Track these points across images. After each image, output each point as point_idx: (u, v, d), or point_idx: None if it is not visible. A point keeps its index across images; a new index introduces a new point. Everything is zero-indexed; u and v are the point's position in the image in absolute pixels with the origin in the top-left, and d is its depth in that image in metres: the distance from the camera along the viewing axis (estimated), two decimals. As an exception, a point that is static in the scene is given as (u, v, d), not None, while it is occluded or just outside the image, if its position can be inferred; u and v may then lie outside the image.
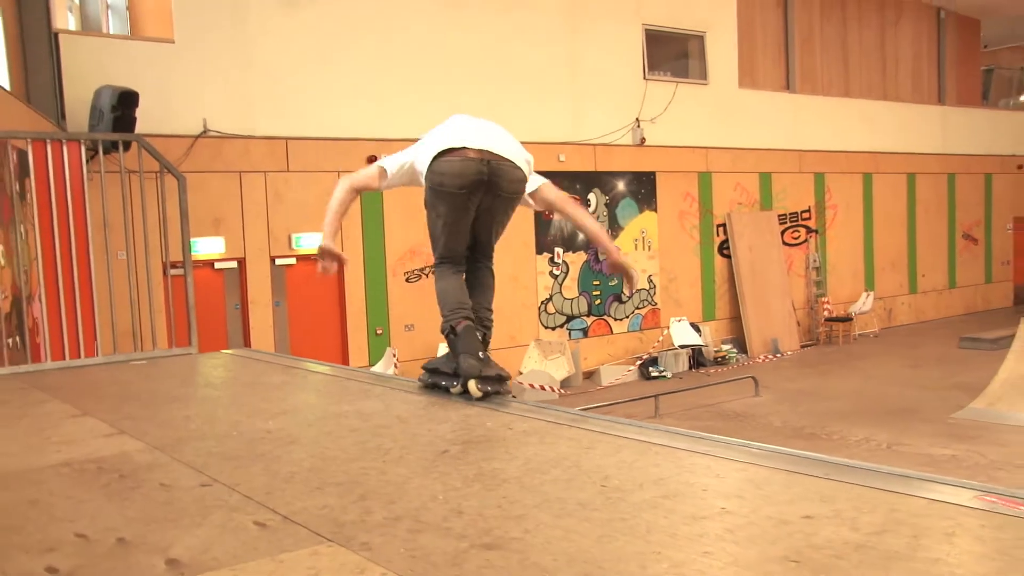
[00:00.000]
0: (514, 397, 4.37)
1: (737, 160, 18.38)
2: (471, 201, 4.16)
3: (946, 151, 22.84)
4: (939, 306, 23.03)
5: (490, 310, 4.45)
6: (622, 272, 4.52)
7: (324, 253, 4.41)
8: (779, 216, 19.37)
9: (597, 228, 4.77)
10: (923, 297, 22.76)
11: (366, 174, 4.54)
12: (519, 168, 4.19)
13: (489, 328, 4.40)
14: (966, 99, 24.31)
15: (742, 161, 18.49)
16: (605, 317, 16.65)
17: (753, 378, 14.55)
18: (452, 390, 4.25)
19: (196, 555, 2.31)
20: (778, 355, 18.22)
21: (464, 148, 4.10)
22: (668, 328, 17.22)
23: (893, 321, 21.79)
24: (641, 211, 17.05)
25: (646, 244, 17.13)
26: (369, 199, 13.51)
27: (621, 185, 16.69)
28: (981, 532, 2.35)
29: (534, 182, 4.44)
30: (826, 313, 19.83)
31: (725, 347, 17.80)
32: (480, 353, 4.13)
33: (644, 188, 17.02)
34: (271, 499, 2.77)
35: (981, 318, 22.38)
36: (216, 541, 2.42)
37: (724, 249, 18.39)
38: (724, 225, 18.35)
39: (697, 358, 17.14)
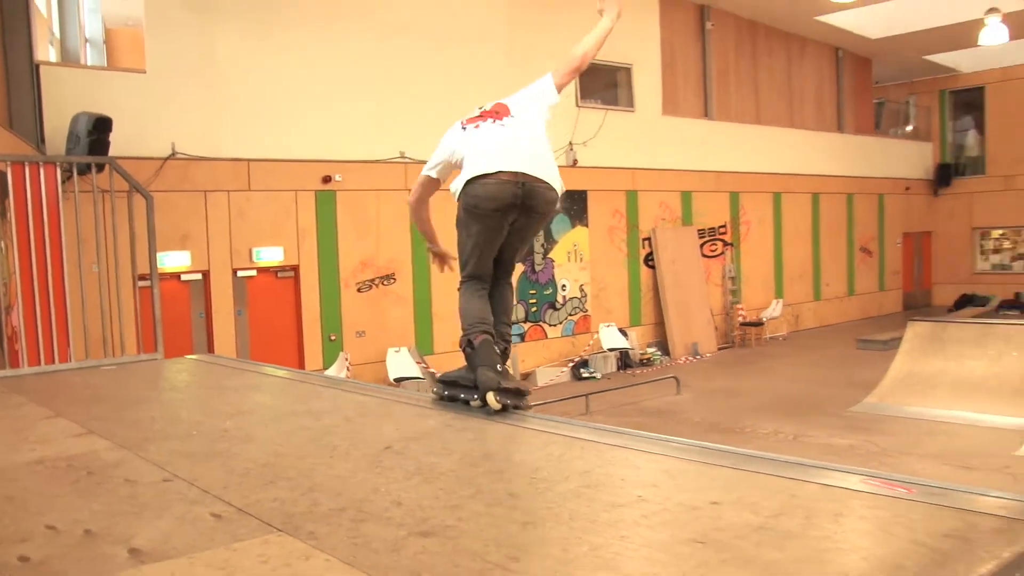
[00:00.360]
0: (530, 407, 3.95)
1: (661, 180, 18.52)
2: (505, 221, 3.90)
3: (845, 174, 23.25)
4: (839, 312, 23.41)
5: (509, 324, 4.19)
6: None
7: (434, 255, 4.56)
8: (699, 231, 19.56)
9: (601, 33, 4.22)
10: (826, 304, 23.13)
11: (422, 187, 4.32)
12: (553, 189, 3.92)
13: (509, 342, 4.12)
14: (861, 128, 24.82)
15: (665, 181, 18.63)
16: (541, 323, 16.67)
17: (675, 378, 14.64)
18: (472, 403, 3.86)
19: (156, 545, 2.29)
20: (698, 357, 18.37)
21: (499, 172, 3.83)
22: (598, 333, 17.28)
23: (800, 325, 22.10)
24: (574, 226, 17.11)
25: (578, 256, 17.20)
26: (323, 216, 13.45)
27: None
28: (864, 512, 2.42)
29: (547, 91, 4.21)
30: (740, 319, 20.03)
31: (650, 350, 17.89)
32: (498, 366, 3.79)
33: (576, 205, 17.09)
34: (227, 493, 2.75)
35: (876, 322, 22.83)
36: (175, 532, 2.39)
37: (649, 261, 18.51)
38: (649, 239, 18.46)
39: (624, 360, 17.21)
